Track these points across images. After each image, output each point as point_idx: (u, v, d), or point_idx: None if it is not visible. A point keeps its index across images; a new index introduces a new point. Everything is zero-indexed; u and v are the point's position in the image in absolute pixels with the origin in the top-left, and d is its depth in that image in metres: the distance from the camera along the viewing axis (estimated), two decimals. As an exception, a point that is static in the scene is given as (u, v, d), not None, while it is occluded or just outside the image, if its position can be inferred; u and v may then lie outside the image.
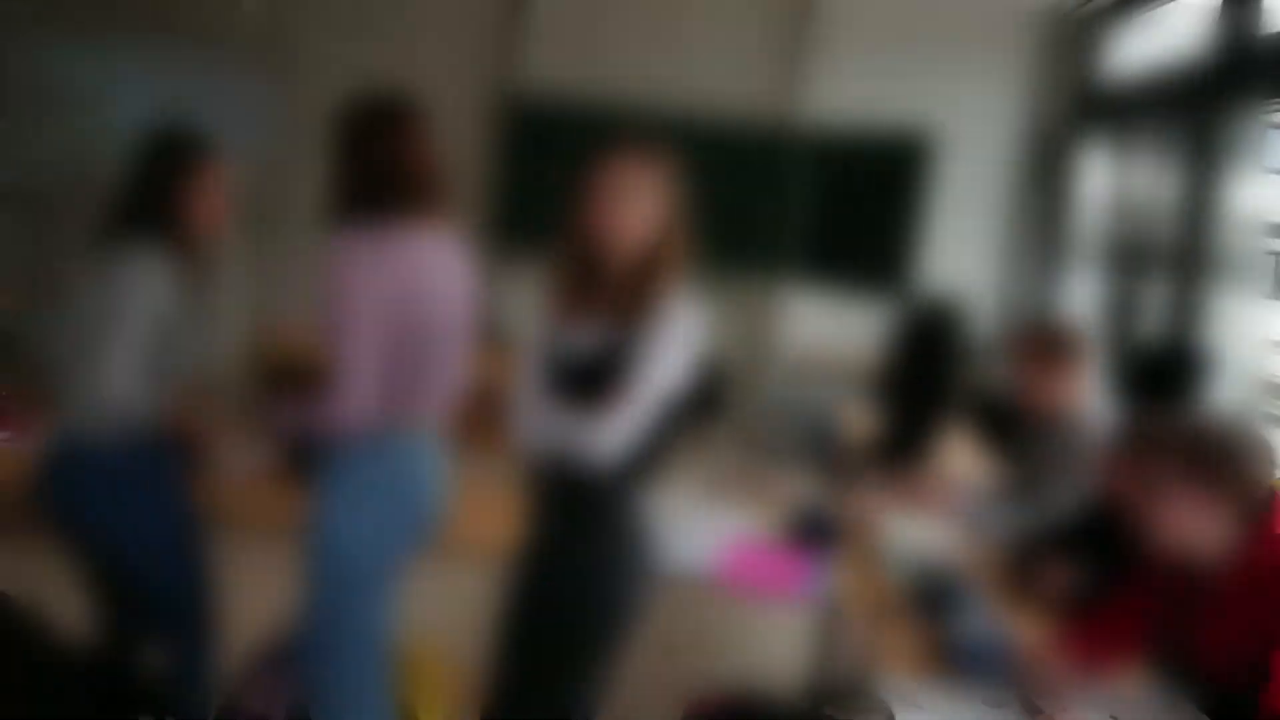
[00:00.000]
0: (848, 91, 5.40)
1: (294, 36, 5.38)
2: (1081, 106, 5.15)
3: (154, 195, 2.16)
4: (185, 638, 2.31)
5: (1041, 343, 2.89)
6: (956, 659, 1.97)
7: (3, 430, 2.76)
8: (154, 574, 2.24)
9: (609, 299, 1.91)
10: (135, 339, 2.09)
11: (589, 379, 1.91)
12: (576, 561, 1.94)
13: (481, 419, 2.20)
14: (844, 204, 5.54)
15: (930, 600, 2.19)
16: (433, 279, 2.01)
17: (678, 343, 1.89)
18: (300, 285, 5.20)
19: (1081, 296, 4.91)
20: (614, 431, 1.86)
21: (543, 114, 5.52)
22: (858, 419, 3.88)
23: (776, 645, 2.39)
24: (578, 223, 1.93)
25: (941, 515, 2.84)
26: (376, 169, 1.98)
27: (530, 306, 2.19)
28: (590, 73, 5.40)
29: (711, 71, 5.45)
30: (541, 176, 5.29)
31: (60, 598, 2.30)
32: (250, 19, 5.40)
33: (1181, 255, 3.88)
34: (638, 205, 1.89)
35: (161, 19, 5.32)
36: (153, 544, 2.22)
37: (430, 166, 2.03)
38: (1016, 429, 3.01)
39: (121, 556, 2.22)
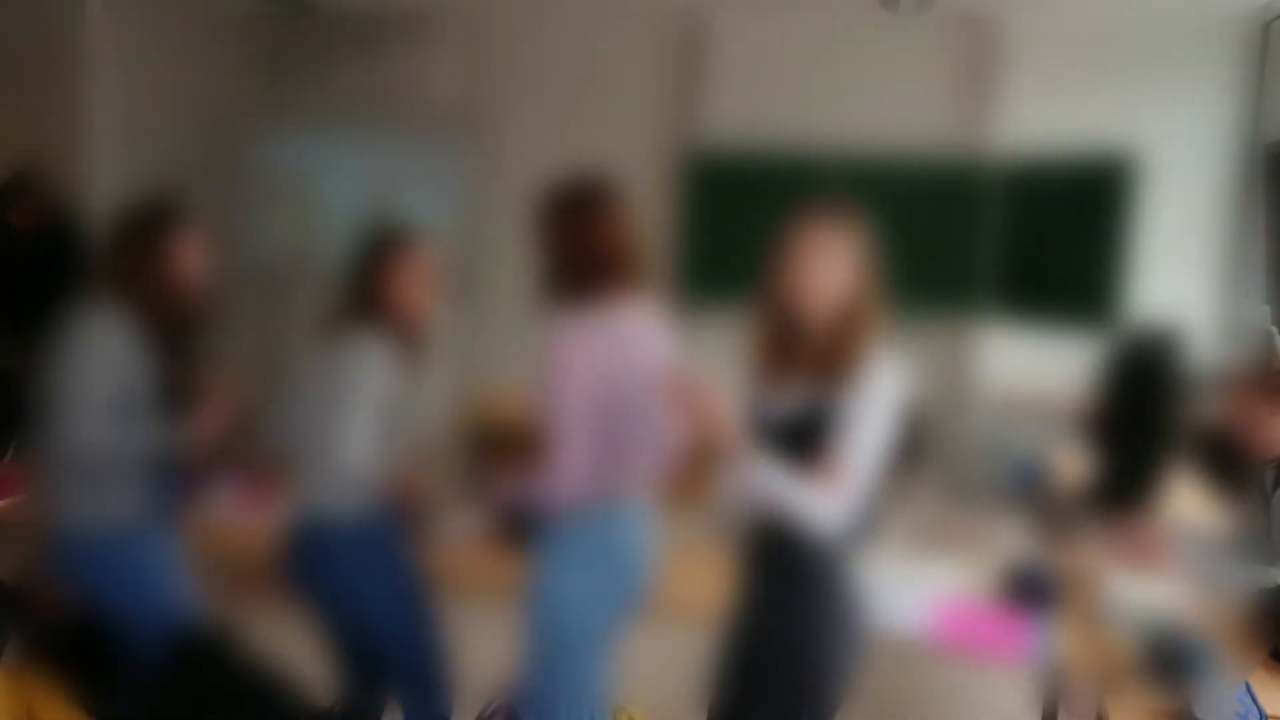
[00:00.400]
0: (1041, 117, 5.22)
1: (488, 113, 5.66)
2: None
3: (371, 287, 2.32)
4: (420, 694, 2.44)
5: (1270, 380, 2.70)
6: (1199, 731, 1.85)
7: (244, 501, 3.01)
8: (391, 635, 2.39)
9: (810, 361, 1.91)
10: (367, 420, 2.25)
11: (796, 443, 1.92)
12: (792, 625, 1.93)
13: (686, 476, 2.24)
14: (1043, 234, 5.33)
15: (1167, 665, 2.06)
16: (641, 353, 2.07)
17: (883, 402, 1.87)
18: (503, 352, 5.43)
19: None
20: (830, 501, 1.86)
21: (726, 167, 5.59)
22: (1070, 463, 3.70)
23: (999, 710, 2.30)
24: (773, 285, 1.94)
25: (1169, 570, 2.67)
26: (585, 250, 2.06)
27: (720, 362, 2.22)
28: (771, 124, 5.44)
29: (893, 111, 5.39)
30: (730, 230, 5.36)
31: (303, 654, 2.48)
32: (448, 101, 5.73)
33: None
34: (833, 266, 1.89)
35: (367, 106, 5.72)
36: (390, 608, 2.37)
37: (635, 244, 2.10)
38: (1246, 473, 2.81)
39: (362, 620, 2.39)
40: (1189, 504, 3.26)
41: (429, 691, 2.44)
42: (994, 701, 2.33)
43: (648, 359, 2.09)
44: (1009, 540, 2.93)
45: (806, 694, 1.95)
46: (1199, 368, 3.70)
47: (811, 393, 1.91)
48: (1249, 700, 1.94)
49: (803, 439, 1.90)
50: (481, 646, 2.51)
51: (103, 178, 4.77)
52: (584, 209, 2.09)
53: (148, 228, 2.31)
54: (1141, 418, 3.47)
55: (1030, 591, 2.48)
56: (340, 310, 2.34)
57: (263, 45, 5.80)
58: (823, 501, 1.85)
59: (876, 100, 5.41)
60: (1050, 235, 5.35)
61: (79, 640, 2.35)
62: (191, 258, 2.34)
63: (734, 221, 5.47)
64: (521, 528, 2.43)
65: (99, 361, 2.22)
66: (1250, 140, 5.11)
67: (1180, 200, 5.16)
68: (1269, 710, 2.03)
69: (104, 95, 5.07)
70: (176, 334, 2.34)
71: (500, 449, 4.02)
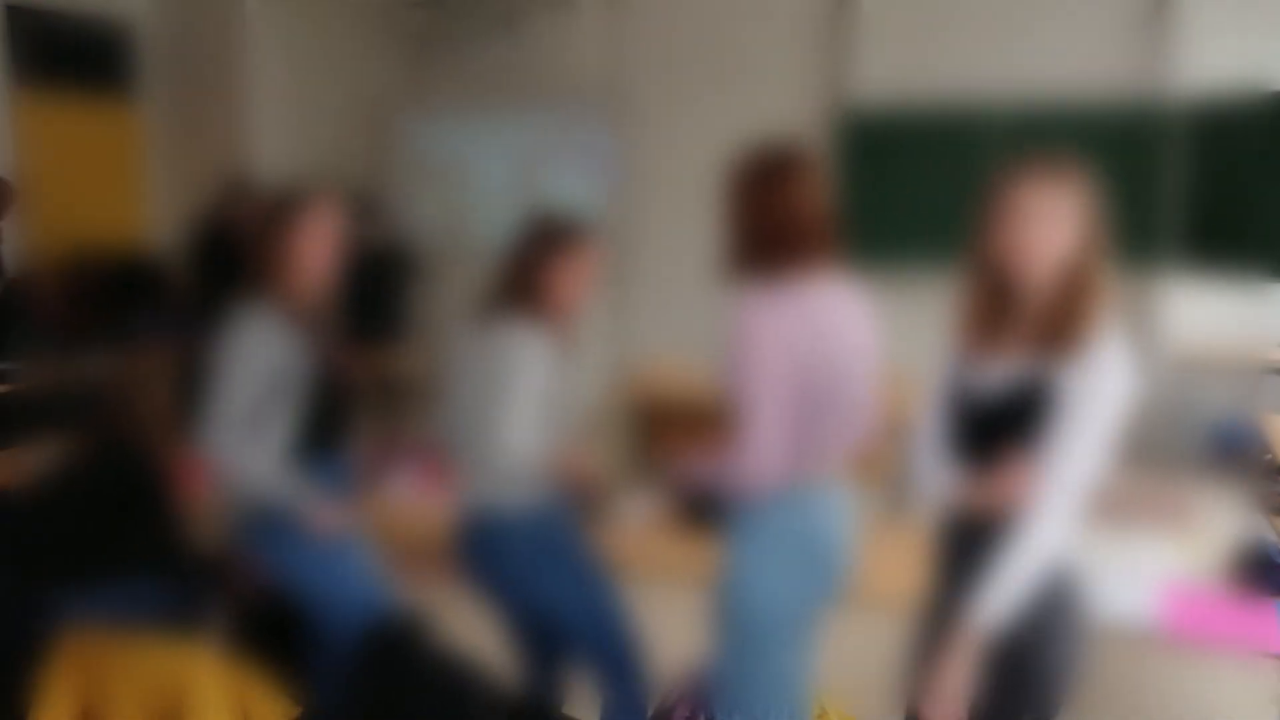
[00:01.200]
0: (1228, 53, 4.80)
1: (633, 84, 5.57)
2: None
3: (533, 280, 2.28)
4: (616, 678, 2.40)
5: None
6: None
7: (421, 486, 3.02)
8: (578, 622, 2.36)
9: (1029, 330, 1.75)
10: (528, 411, 2.22)
11: (1008, 421, 1.76)
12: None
13: (875, 452, 2.11)
14: (1235, 179, 4.92)
15: None
16: (836, 328, 1.95)
17: (1111, 382, 1.70)
18: (655, 328, 5.36)
19: None
20: (1051, 494, 1.70)
21: (884, 127, 5.34)
22: (1284, 428, 3.40)
23: (1241, 706, 2.10)
24: (986, 247, 1.78)
25: None
26: (779, 221, 1.94)
27: (893, 328, 2.08)
28: (929, 76, 5.17)
29: (1061, 53, 5.05)
30: (894, 192, 5.14)
31: (481, 639, 2.47)
32: (593, 74, 5.67)
33: None
34: (1054, 225, 1.72)
35: (513, 85, 5.71)
36: (571, 595, 2.33)
37: (825, 214, 1.97)
38: None
39: (542, 609, 2.36)
40: None
41: (625, 675, 2.40)
42: (1228, 696, 2.12)
43: (844, 334, 1.96)
44: (1225, 515, 2.70)
45: (1022, 691, 1.80)
46: None
47: (1029, 365, 1.74)
48: None
49: (1017, 418, 1.75)
50: (660, 632, 2.44)
51: (265, 168, 4.90)
52: (778, 178, 1.96)
53: (271, 221, 2.33)
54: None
55: (1267, 574, 2.26)
56: (499, 299, 2.30)
57: (409, 30, 5.86)
58: (1032, 496, 1.71)
59: (1042, 43, 5.08)
60: (1243, 180, 4.93)
61: (279, 623, 2.38)
62: (317, 246, 2.33)
63: (898, 183, 5.25)
64: (707, 511, 2.35)
65: (248, 353, 2.26)
66: None
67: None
68: None
69: (263, 88, 5.20)
70: (314, 320, 2.35)
71: (666, 427, 3.97)
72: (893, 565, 2.11)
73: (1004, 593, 1.73)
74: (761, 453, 1.91)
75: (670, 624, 2.34)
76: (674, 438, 2.80)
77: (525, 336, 2.25)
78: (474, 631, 2.47)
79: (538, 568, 2.29)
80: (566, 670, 2.50)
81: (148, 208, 5.15)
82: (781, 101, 5.11)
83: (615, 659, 2.38)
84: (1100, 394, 1.69)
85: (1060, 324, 1.71)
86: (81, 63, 4.97)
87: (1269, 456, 3.31)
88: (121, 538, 2.45)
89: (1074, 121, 4.88)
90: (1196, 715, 2.08)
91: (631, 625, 2.39)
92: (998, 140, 4.80)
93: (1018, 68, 5.00)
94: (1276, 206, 4.91)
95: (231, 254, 2.55)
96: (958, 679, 1.76)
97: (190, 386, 2.42)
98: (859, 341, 1.98)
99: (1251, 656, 2.12)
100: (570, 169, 5.57)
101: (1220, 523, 2.64)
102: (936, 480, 1.91)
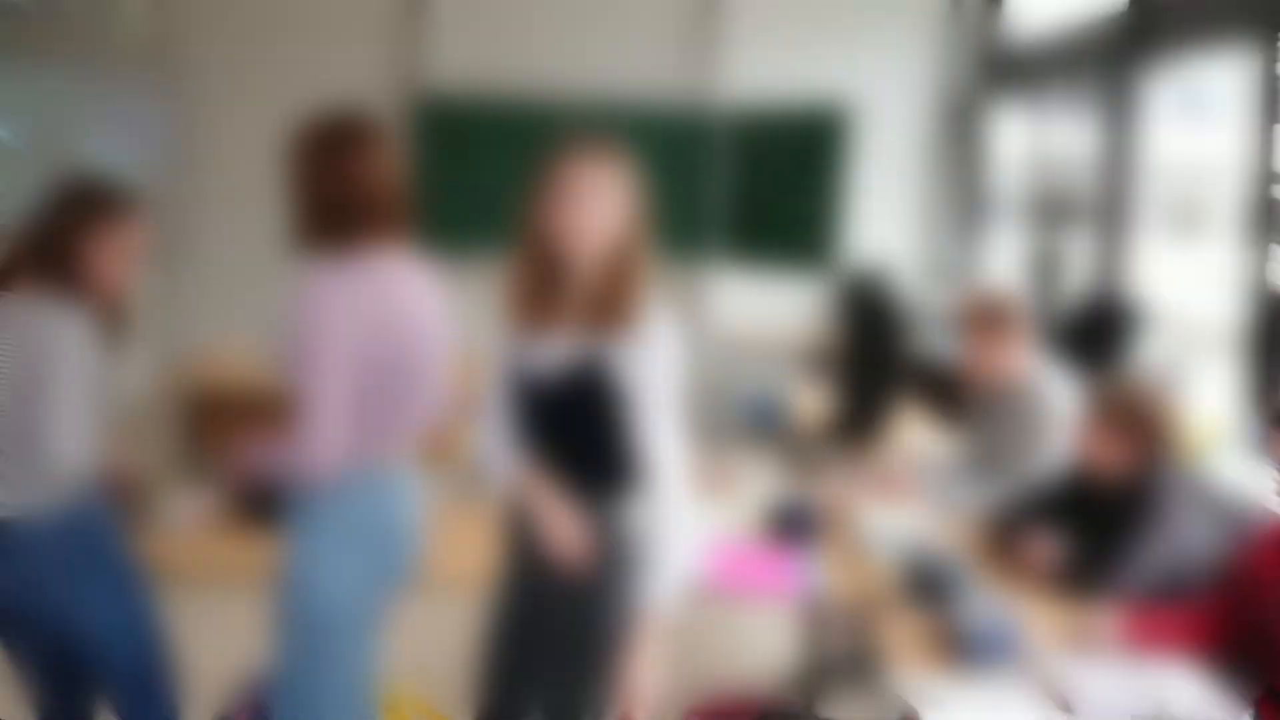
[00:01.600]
0: (764, 67, 5.36)
1: (182, 48, 5.11)
2: (992, 69, 5.20)
3: (63, 251, 2.00)
4: (141, 702, 2.15)
5: (984, 313, 2.89)
6: (964, 648, 1.93)
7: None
8: (106, 641, 2.08)
9: (579, 308, 1.80)
10: (74, 405, 1.95)
11: (564, 403, 1.81)
12: (564, 585, 1.85)
13: (442, 433, 2.09)
14: (766, 180, 5.51)
15: (927, 589, 2.15)
16: (405, 307, 1.88)
17: (659, 359, 1.80)
18: (208, 312, 4.95)
19: (1004, 255, 4.98)
20: (660, 478, 1.81)
21: (449, 110, 5.36)
22: (809, 401, 3.85)
23: (771, 646, 2.33)
24: (535, 227, 1.83)
25: (908, 497, 2.82)
26: (344, 192, 1.84)
27: (465, 311, 2.08)
28: (496, 67, 5.26)
29: (622, 56, 5.36)
30: (461, 177, 5.15)
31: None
32: (134, 36, 5.11)
33: (1102, 208, 3.94)
34: (601, 205, 1.80)
35: (45, 42, 4.99)
36: (103, 611, 2.05)
37: (394, 186, 1.89)
38: (967, 400, 3.01)
39: (69, 627, 2.05)
40: (920, 435, 3.47)
41: (150, 698, 2.16)
42: (760, 637, 2.36)
43: (414, 313, 1.90)
44: (762, 479, 2.99)
45: (583, 650, 1.87)
46: (915, 303, 3.95)
47: (580, 345, 1.80)
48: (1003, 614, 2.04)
49: (573, 396, 1.80)
50: (215, 641, 2.25)
51: None
52: (344, 146, 1.86)
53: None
54: (867, 355, 3.65)
55: (792, 528, 2.54)
56: (25, 274, 1.99)
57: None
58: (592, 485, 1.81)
59: (604, 45, 5.36)
60: (773, 181, 5.54)
61: None
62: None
63: (469, 168, 5.26)
64: (267, 504, 2.19)
65: None
66: (947, 90, 5.50)
67: (890, 147, 5.47)
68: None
69: None
70: None
71: (222, 418, 3.68)
72: (464, 548, 2.10)
73: (665, 575, 1.81)
74: (324, 438, 1.81)
75: (228, 630, 2.16)
76: (231, 429, 2.59)
77: (63, 318, 1.96)
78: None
79: (65, 579, 1.99)
80: (92, 697, 2.21)
81: None
82: (352, 82, 4.94)
83: (142, 680, 2.14)
84: (652, 372, 1.79)
85: (607, 303, 1.79)
86: None
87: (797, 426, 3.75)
88: None
89: (632, 116, 5.19)
90: (731, 656, 2.30)
91: (165, 642, 2.17)
92: (564, 130, 4.98)
93: (587, 63, 5.24)
94: (809, 205, 5.57)
95: None
96: (648, 668, 1.82)
97: None
98: (429, 322, 1.93)
99: (780, 600, 2.37)
100: (109, 136, 4.96)
101: (756, 485, 2.92)
102: (501, 462, 1.93)
